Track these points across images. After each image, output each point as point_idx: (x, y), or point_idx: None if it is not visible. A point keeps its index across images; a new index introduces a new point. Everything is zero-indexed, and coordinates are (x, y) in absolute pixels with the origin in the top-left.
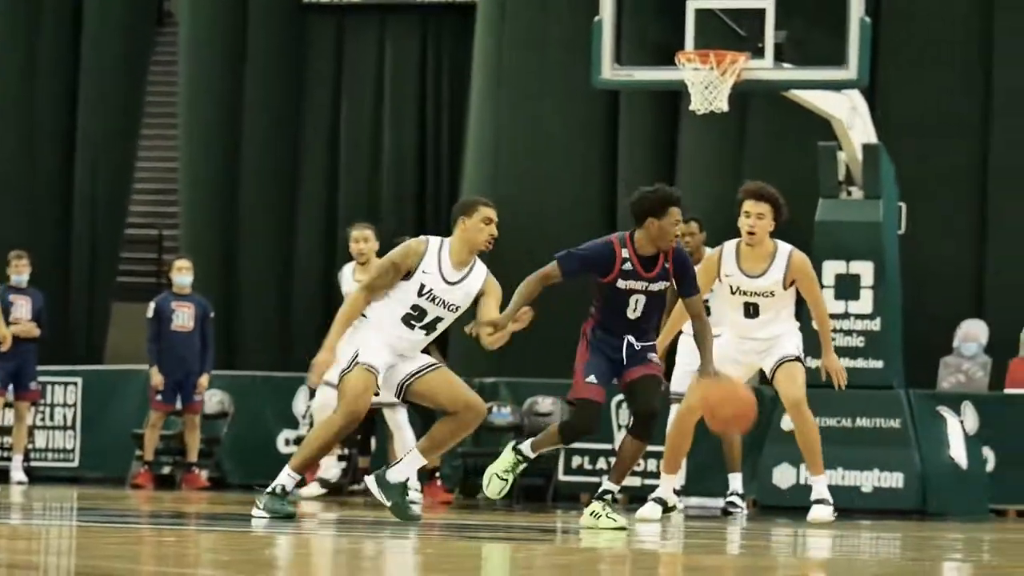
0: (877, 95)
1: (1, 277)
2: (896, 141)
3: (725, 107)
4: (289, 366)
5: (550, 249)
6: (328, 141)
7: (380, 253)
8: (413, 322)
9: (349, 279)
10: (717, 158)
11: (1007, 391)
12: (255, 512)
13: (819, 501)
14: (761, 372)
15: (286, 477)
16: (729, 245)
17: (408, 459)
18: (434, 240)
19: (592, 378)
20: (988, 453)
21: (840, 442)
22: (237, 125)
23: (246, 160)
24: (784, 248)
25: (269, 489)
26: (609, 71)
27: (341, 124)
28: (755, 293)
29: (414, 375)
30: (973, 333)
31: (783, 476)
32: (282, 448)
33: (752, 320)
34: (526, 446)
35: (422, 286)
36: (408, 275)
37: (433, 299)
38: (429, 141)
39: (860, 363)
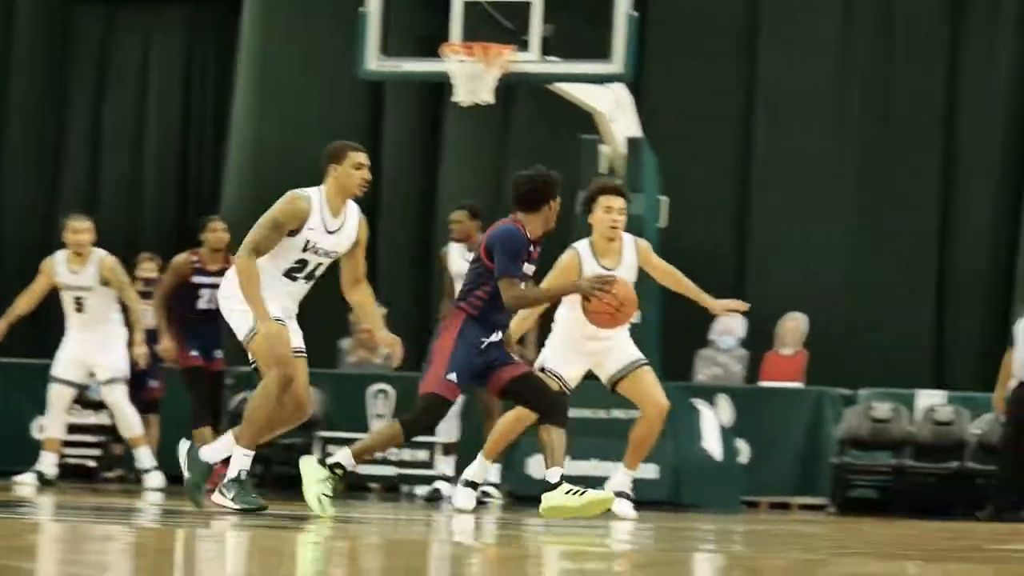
0: (643, 89)
1: None
2: (660, 135)
3: (490, 99)
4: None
5: None
6: (91, 129)
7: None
8: (296, 274)
9: (64, 269)
10: (481, 149)
11: (762, 384)
12: (224, 503)
13: (620, 494)
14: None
15: (241, 459)
16: (582, 244)
17: (225, 442)
18: (313, 193)
19: (453, 376)
20: (742, 445)
21: (594, 433)
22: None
23: (9, 150)
24: (627, 238)
25: (231, 477)
26: (375, 62)
27: (104, 114)
28: None
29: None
30: (730, 327)
31: (537, 467)
32: (36, 434)
33: None
34: (344, 457)
35: (307, 241)
36: (292, 232)
37: (316, 251)
38: (193, 133)
39: None
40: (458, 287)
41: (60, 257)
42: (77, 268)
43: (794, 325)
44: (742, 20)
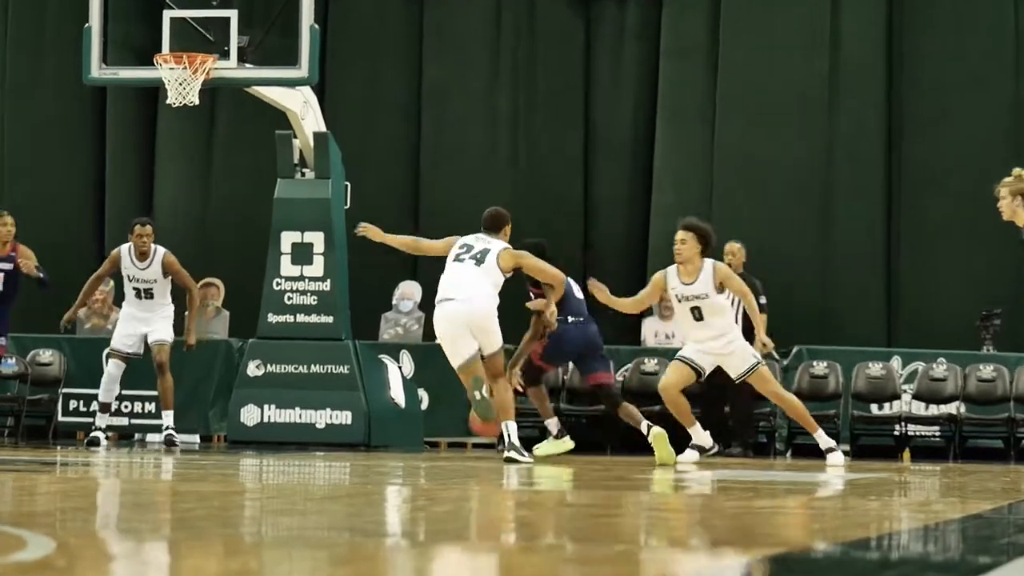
0: (326, 89)
1: None
2: (343, 129)
3: (196, 100)
4: None
5: (48, 224)
6: None
7: None
8: None
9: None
10: (190, 146)
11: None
12: None
13: (830, 450)
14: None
15: None
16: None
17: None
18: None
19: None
20: (423, 394)
21: (297, 386)
22: None
23: None
24: (707, 262)
25: None
26: (97, 70)
27: None
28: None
29: None
30: (409, 292)
31: (249, 415)
32: None
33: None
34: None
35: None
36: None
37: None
38: None
39: (313, 318)
40: None
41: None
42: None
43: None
44: (408, 28)
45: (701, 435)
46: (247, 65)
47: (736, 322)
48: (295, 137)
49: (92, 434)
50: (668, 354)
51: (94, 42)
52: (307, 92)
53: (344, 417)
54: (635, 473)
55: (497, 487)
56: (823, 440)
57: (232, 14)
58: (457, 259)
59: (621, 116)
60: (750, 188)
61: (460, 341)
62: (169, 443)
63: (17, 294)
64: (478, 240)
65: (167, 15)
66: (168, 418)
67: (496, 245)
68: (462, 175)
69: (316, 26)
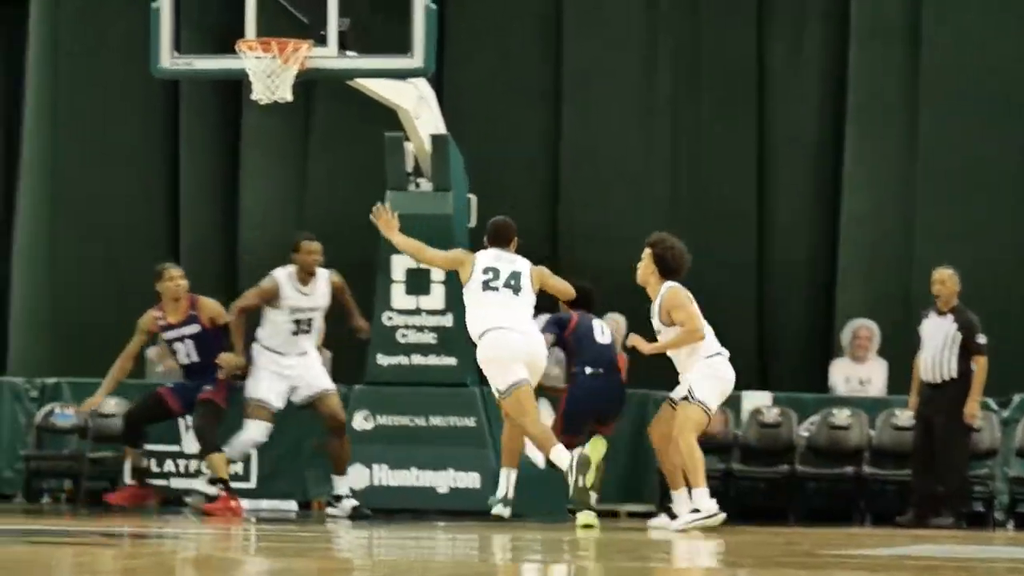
0: (445, 82)
1: None
2: (466, 131)
3: (289, 96)
4: None
5: (107, 247)
6: None
7: None
8: None
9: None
10: (282, 148)
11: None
12: None
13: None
14: None
15: None
16: None
17: None
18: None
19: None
20: None
21: (413, 442)
22: None
23: None
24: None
25: None
26: (168, 60)
27: None
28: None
29: None
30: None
31: (356, 477)
32: None
33: None
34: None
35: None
36: None
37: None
38: None
39: (432, 360)
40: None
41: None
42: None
43: (612, 326)
44: (544, 3)
45: (682, 501)
46: (349, 53)
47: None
48: (408, 140)
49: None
50: (863, 404)
51: (163, 26)
52: (422, 86)
53: (471, 479)
54: (823, 548)
55: (667, 564)
56: (697, 500)
57: None
58: (489, 287)
59: (802, 109)
60: (961, 195)
61: (514, 367)
62: (360, 515)
63: (215, 355)
64: (500, 260)
65: None
66: (344, 485)
67: (523, 265)
68: (610, 183)
69: (432, 5)
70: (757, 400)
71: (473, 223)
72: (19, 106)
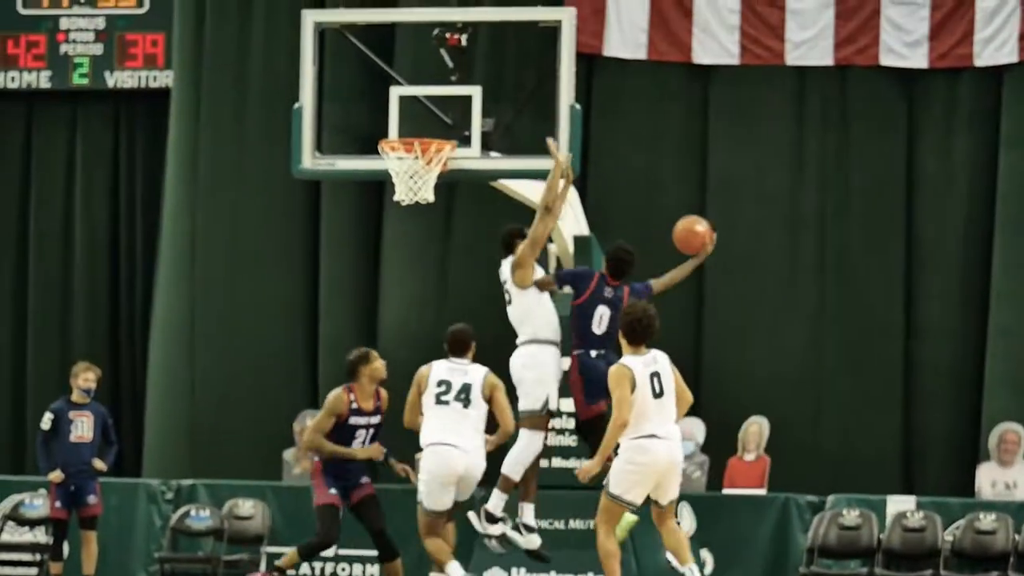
0: (589, 183)
1: None
2: (608, 231)
3: (431, 197)
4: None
5: (245, 348)
6: (17, 230)
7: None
8: None
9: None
10: (423, 250)
11: (725, 491)
12: None
13: None
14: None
15: None
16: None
17: None
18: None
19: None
20: (706, 556)
21: (551, 546)
22: None
23: None
24: None
25: None
26: (310, 160)
27: (31, 212)
28: None
29: None
30: (689, 431)
31: None
32: None
33: None
34: None
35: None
36: None
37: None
38: (123, 231)
39: (573, 463)
40: None
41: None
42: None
43: (756, 429)
44: (690, 108)
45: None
46: (492, 154)
47: None
48: (551, 242)
49: None
50: (1010, 509)
51: (306, 126)
52: None
53: None
54: None
55: None
56: None
57: (475, 91)
58: (440, 400)
59: (952, 219)
60: None
61: (445, 489)
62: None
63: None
64: (453, 372)
65: (395, 93)
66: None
67: (475, 376)
68: (755, 293)
69: (577, 106)
70: (901, 504)
71: None
72: (159, 205)
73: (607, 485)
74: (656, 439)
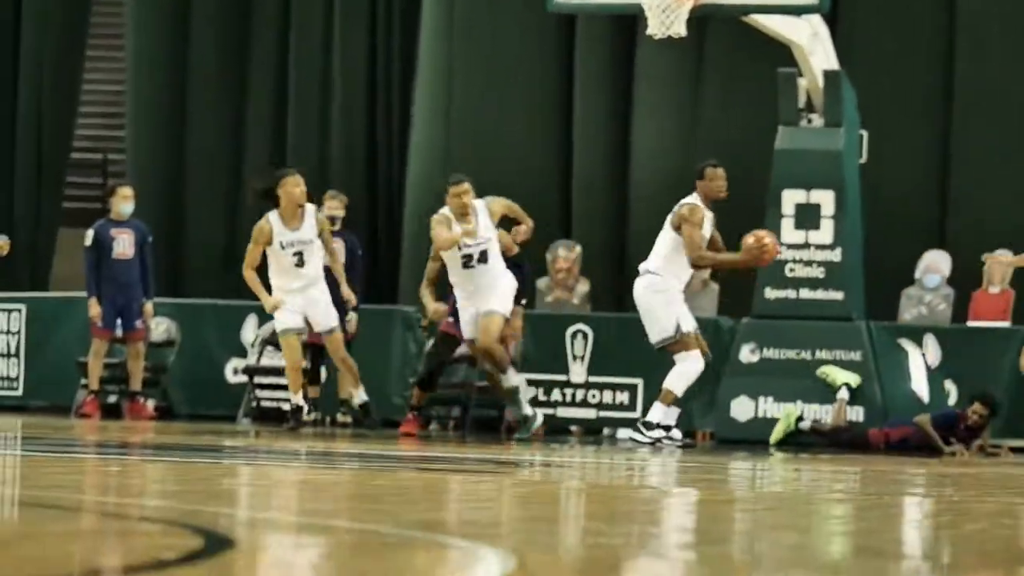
0: (839, 17)
1: None
2: (858, 67)
3: (683, 31)
4: (235, 294)
5: (499, 180)
6: (277, 68)
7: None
8: None
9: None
10: (675, 84)
11: (970, 324)
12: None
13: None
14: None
15: None
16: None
17: None
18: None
19: None
20: (950, 387)
21: (799, 375)
22: (184, 50)
23: (193, 85)
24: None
25: None
26: None
27: (290, 53)
28: None
29: None
30: (935, 264)
31: (741, 409)
32: (230, 378)
33: None
34: None
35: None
36: None
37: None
38: (379, 74)
39: (820, 294)
40: None
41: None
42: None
43: (1001, 262)
44: None
45: None
46: None
47: None
48: (801, 76)
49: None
50: None
51: None
52: (816, 22)
53: (855, 412)
54: None
55: None
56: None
57: None
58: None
59: None
60: None
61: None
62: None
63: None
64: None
65: None
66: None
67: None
68: (1003, 125)
69: None
70: None
71: (864, 159)
72: (416, 37)
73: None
74: None
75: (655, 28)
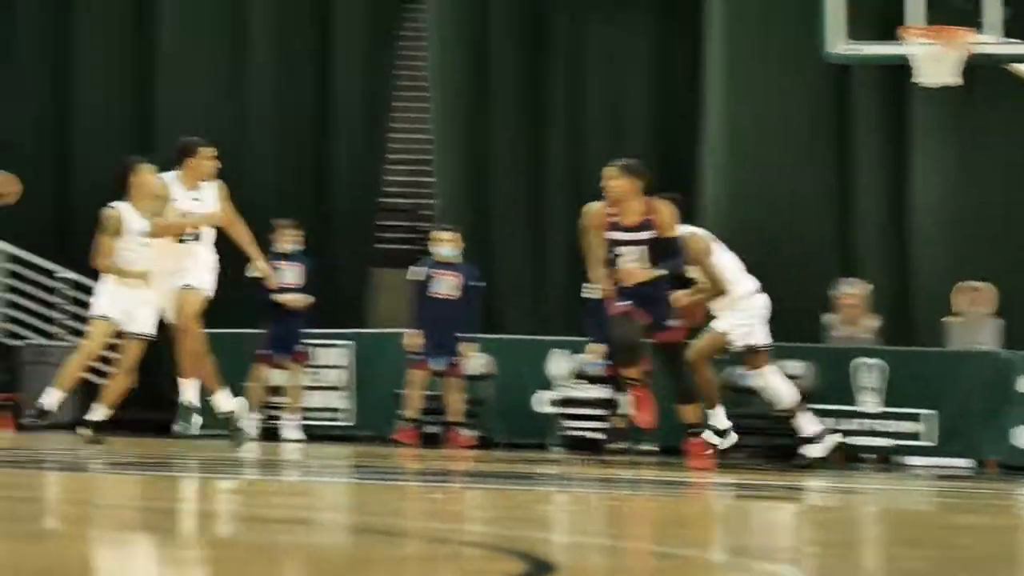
0: None
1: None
2: None
3: (958, 80)
4: (543, 330)
5: (787, 236)
6: (571, 109)
7: None
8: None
9: None
10: (946, 135)
11: None
12: None
13: None
14: None
15: None
16: None
17: None
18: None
19: None
20: None
21: None
22: (485, 95)
23: (495, 129)
24: None
25: None
26: (841, 46)
27: (587, 91)
28: None
29: None
30: None
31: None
32: (536, 408)
33: None
34: None
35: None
36: None
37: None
38: (665, 129)
39: None
40: None
41: None
42: None
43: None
44: None
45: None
46: (1012, 40)
47: None
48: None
49: None
50: None
51: (837, 12)
52: None
53: None
54: None
55: None
56: None
57: None
58: None
59: None
60: None
61: None
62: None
63: None
64: None
65: None
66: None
67: None
68: None
69: None
70: None
71: None
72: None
73: None
74: None
75: (927, 77)
